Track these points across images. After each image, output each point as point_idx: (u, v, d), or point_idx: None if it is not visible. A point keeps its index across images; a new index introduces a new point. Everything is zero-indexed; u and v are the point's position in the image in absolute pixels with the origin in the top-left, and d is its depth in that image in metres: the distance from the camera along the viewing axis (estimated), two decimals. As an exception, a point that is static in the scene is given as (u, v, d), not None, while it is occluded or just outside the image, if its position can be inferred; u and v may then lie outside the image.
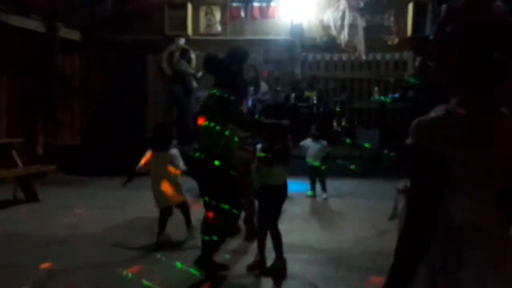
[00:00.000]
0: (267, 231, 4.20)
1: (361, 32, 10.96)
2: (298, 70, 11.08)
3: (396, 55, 11.09)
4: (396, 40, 10.93)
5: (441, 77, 1.62)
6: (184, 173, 5.15)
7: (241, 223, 4.95)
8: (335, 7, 11.09)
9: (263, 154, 4.07)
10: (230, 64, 4.14)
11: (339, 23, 11.06)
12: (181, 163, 5.16)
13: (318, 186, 7.29)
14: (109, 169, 8.71)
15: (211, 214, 3.99)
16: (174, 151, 5.30)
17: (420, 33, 10.63)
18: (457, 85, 1.57)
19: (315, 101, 10.00)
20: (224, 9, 11.45)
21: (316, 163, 7.05)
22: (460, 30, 1.52)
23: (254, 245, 4.48)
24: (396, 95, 9.83)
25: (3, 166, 7.01)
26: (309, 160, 7.05)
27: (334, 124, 10.30)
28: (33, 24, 9.85)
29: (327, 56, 11.31)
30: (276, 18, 11.32)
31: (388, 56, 11.11)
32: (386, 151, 8.46)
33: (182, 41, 11.12)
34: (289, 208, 6.59)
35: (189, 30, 11.33)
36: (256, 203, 4.51)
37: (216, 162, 3.83)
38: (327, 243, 5.04)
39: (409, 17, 10.75)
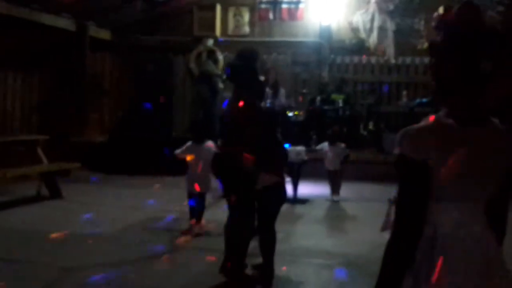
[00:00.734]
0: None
1: (390, 35, 10.81)
2: (325, 72, 10.98)
3: (426, 60, 10.86)
4: (426, 44, 10.71)
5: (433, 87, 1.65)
6: None
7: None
8: (365, 9, 10.96)
9: None
10: (240, 65, 4.10)
11: (368, 25, 10.93)
12: None
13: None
14: (135, 168, 8.85)
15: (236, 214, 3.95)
16: (210, 145, 5.48)
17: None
18: (447, 96, 1.58)
19: (341, 104, 9.89)
20: (252, 10, 11.45)
21: (332, 168, 7.00)
22: (450, 41, 1.55)
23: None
24: (424, 100, 9.64)
25: (29, 162, 7.18)
26: (327, 163, 7.00)
27: (361, 128, 10.19)
28: (64, 23, 10.04)
29: (356, 59, 11.16)
30: (304, 20, 11.25)
31: (417, 60, 10.89)
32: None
33: (210, 42, 11.19)
34: (306, 212, 6.58)
35: (218, 31, 11.38)
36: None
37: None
38: (343, 248, 4.98)
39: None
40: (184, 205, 6.59)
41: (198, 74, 10.53)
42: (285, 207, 6.46)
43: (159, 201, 6.93)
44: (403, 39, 10.73)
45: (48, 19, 9.51)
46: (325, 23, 10.98)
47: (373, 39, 10.92)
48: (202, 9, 11.41)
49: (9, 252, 4.63)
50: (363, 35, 10.99)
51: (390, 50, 10.84)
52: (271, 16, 11.39)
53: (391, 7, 10.88)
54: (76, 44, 10.40)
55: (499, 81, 1.57)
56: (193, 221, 5.41)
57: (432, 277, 1.50)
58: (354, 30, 11.06)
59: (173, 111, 10.90)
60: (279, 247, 4.82)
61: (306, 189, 7.31)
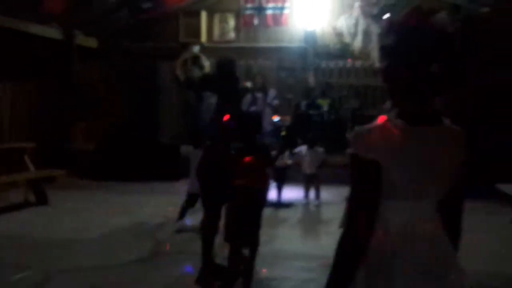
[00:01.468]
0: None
1: (375, 39, 10.92)
2: (311, 77, 11.09)
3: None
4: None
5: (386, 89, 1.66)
6: None
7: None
8: (349, 14, 11.10)
9: None
10: (218, 76, 4.21)
11: (352, 30, 11.07)
12: None
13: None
14: (123, 175, 8.91)
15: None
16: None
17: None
18: (398, 97, 1.61)
19: (326, 109, 10.00)
20: (237, 16, 11.57)
21: (309, 172, 7.08)
22: (399, 42, 1.56)
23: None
24: None
25: (17, 170, 7.24)
26: (304, 167, 7.08)
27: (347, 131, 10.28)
28: (51, 32, 10.11)
29: (341, 63, 11.28)
30: (289, 25, 11.38)
31: (402, 63, 11.01)
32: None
33: (196, 48, 11.28)
34: (290, 216, 6.66)
35: (203, 38, 11.47)
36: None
37: None
38: (323, 250, 5.01)
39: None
40: (170, 210, 6.70)
41: (184, 80, 10.60)
42: (269, 211, 6.59)
43: (145, 206, 7.02)
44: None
45: (36, 29, 9.57)
46: (309, 28, 11.09)
47: (357, 43, 11.06)
48: (187, 16, 11.50)
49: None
50: (347, 39, 11.11)
51: (375, 54, 10.95)
52: (256, 22, 11.49)
53: (375, 11, 11.00)
54: (64, 53, 10.45)
55: (450, 81, 1.58)
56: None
57: (384, 273, 1.54)
58: (339, 34, 11.18)
59: (160, 117, 10.97)
60: (261, 249, 4.93)
61: (290, 193, 7.39)
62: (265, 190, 4.19)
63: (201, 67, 10.61)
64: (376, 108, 10.95)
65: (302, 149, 7.26)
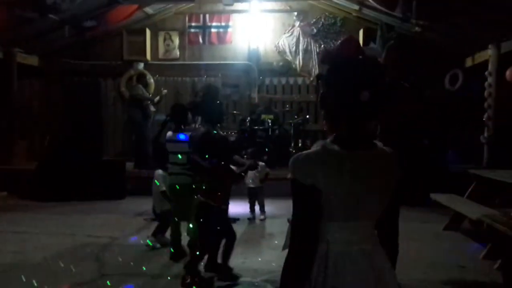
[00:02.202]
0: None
1: (315, 57, 11.35)
2: (255, 93, 11.36)
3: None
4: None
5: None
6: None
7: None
8: (290, 33, 11.47)
9: None
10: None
11: (294, 48, 11.44)
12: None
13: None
14: (65, 195, 8.76)
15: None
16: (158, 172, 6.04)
17: (369, 57, 11.03)
18: (333, 123, 1.73)
19: (270, 124, 10.25)
20: (182, 34, 11.70)
21: (254, 185, 7.26)
22: (332, 72, 1.69)
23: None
24: None
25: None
26: (248, 181, 7.23)
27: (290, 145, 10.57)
28: (-11, 51, 9.92)
29: (283, 80, 11.62)
30: (233, 43, 11.64)
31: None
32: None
33: (141, 65, 11.32)
34: (236, 231, 6.72)
35: (148, 55, 11.53)
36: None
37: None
38: (269, 265, 5.13)
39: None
40: (114, 230, 6.69)
41: (129, 97, 10.59)
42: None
43: (90, 227, 6.93)
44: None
45: (-26, 48, 9.36)
46: (253, 46, 11.39)
47: (299, 61, 11.43)
48: (131, 34, 11.54)
49: None
50: (289, 57, 11.48)
51: (315, 71, 11.36)
52: (200, 40, 11.68)
53: (314, 30, 11.45)
54: (3, 71, 10.23)
55: (383, 108, 1.70)
56: None
57: None
58: (281, 52, 11.54)
59: (103, 135, 10.89)
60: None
61: (235, 207, 7.40)
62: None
63: (146, 84, 10.63)
64: (318, 123, 11.36)
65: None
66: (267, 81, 11.63)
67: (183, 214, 5.12)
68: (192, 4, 10.95)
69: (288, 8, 11.45)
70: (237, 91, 11.61)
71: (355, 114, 1.65)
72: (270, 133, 10.25)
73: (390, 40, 10.24)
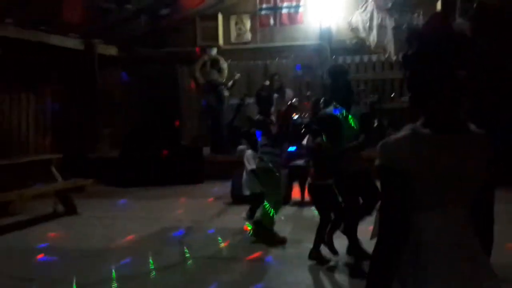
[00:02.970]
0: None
1: (390, 33, 10.93)
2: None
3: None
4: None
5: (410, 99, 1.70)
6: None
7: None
8: (363, 8, 11.11)
9: None
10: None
11: (367, 24, 11.07)
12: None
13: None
14: (146, 180, 9.11)
15: None
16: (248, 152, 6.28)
17: (450, 30, 10.49)
18: (423, 106, 1.63)
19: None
20: (253, 17, 11.67)
21: None
22: (423, 51, 1.61)
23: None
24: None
25: (44, 180, 7.44)
26: None
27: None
28: (72, 42, 10.40)
29: (357, 59, 11.31)
30: (304, 23, 11.44)
31: (419, 55, 10.98)
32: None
33: (214, 51, 11.45)
34: (308, 215, 6.66)
35: (220, 40, 11.62)
36: None
37: None
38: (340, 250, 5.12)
39: (438, 15, 10.64)
40: (196, 213, 6.88)
41: (204, 83, 10.77)
42: (293, 210, 6.71)
43: (172, 211, 7.18)
44: (403, 35, 10.80)
45: (57, 40, 9.86)
46: (325, 25, 11.13)
47: (373, 38, 11.05)
48: (204, 20, 11.66)
49: (32, 272, 4.86)
50: (363, 34, 11.12)
51: (391, 47, 10.96)
52: (272, 22, 11.60)
53: (389, 4, 10.99)
54: (85, 62, 10.72)
55: (472, 85, 1.63)
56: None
57: (418, 284, 1.56)
58: (354, 30, 11.20)
59: (181, 121, 11.17)
60: (284, 251, 5.06)
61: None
62: None
63: (220, 69, 10.75)
64: (394, 101, 10.99)
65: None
66: (340, 60, 11.35)
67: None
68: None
69: (362, -18, 11.09)
70: (310, 72, 11.45)
71: (451, 93, 1.57)
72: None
73: (470, 11, 9.71)
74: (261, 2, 11.64)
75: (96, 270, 4.81)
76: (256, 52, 11.55)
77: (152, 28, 11.40)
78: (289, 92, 9.82)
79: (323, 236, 4.76)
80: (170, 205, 7.60)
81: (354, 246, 4.70)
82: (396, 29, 10.93)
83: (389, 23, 10.97)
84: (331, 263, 4.72)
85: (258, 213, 5.60)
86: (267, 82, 9.63)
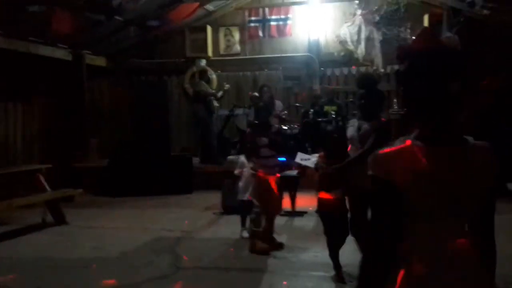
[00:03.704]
0: None
1: (377, 45, 11.09)
2: (316, 85, 11.24)
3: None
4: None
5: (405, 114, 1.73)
6: None
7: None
8: (351, 22, 11.25)
9: None
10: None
11: (355, 37, 11.21)
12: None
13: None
14: (135, 190, 9.06)
15: None
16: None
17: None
18: (417, 119, 1.63)
19: (334, 116, 10.12)
20: (242, 29, 11.78)
21: None
22: (415, 66, 1.61)
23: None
24: None
25: (33, 191, 7.37)
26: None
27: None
28: (61, 53, 10.37)
29: (345, 70, 11.43)
30: (293, 35, 11.57)
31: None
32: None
33: (203, 62, 11.50)
34: (304, 225, 6.70)
35: (210, 52, 11.68)
36: None
37: None
38: (340, 258, 5.14)
39: (425, 28, 10.79)
40: (186, 224, 6.85)
41: (193, 94, 10.78)
42: (283, 220, 6.70)
43: (161, 221, 7.13)
44: (390, 48, 10.96)
45: (46, 51, 9.82)
46: (313, 37, 11.27)
47: (361, 50, 11.20)
48: (193, 31, 11.72)
49: (21, 283, 4.79)
50: (351, 47, 11.26)
51: (378, 60, 11.11)
52: (260, 34, 11.70)
53: (377, 18, 11.17)
54: (73, 73, 10.69)
55: (467, 98, 1.62)
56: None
57: None
58: (342, 42, 11.33)
59: (170, 132, 11.15)
60: (278, 262, 5.06)
61: (303, 201, 7.39)
62: None
63: (208, 80, 10.78)
64: (383, 112, 11.08)
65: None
66: (328, 72, 11.48)
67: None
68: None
69: (349, -4, 11.26)
70: (299, 83, 11.53)
71: (445, 106, 1.56)
72: (334, 125, 10.10)
73: (458, 25, 9.89)
74: (250, 15, 11.76)
75: (85, 281, 4.76)
76: (245, 63, 11.63)
77: (141, 39, 11.43)
78: (278, 103, 9.86)
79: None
80: (160, 215, 7.55)
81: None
82: (383, 42, 11.09)
83: (377, 36, 11.13)
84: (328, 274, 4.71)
85: (250, 224, 5.62)
86: (256, 94, 9.66)
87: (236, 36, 11.75)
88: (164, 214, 7.60)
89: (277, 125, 5.46)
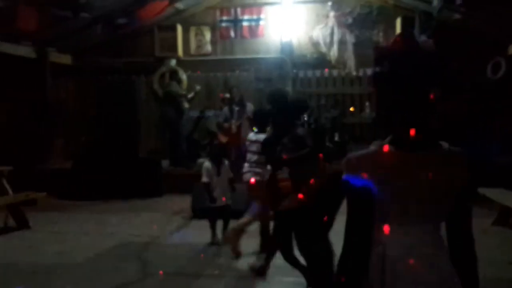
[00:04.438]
0: None
1: (350, 48, 11.05)
2: (289, 87, 11.11)
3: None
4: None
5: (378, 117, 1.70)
6: None
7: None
8: (324, 24, 11.18)
9: None
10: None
11: (328, 39, 11.15)
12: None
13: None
14: (101, 193, 8.72)
15: None
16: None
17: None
18: (391, 124, 1.61)
19: (306, 118, 9.99)
20: (213, 29, 11.55)
21: None
22: (395, 69, 1.57)
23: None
24: None
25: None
26: None
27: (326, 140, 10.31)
28: (23, 50, 9.96)
29: (318, 73, 11.34)
30: (265, 36, 11.41)
31: (378, 71, 11.13)
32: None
33: (173, 62, 11.22)
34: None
35: (180, 51, 11.41)
36: None
37: None
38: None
39: (397, 32, 10.81)
40: (154, 228, 6.60)
41: (162, 95, 10.50)
42: (256, 224, 6.51)
43: (129, 226, 6.88)
44: (363, 51, 10.95)
45: (8, 48, 9.41)
46: (285, 39, 11.12)
47: (333, 53, 11.14)
48: (162, 30, 11.43)
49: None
50: (323, 49, 11.19)
51: (351, 63, 11.07)
52: (232, 34, 11.51)
53: (350, 20, 11.13)
54: (37, 71, 10.27)
55: (445, 102, 1.58)
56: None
57: None
58: (315, 44, 11.25)
59: (139, 133, 10.85)
60: (246, 267, 4.87)
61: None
62: None
63: (179, 80, 10.50)
64: (355, 116, 11.07)
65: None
66: (301, 74, 11.36)
67: None
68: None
69: (322, -2, 11.19)
70: (270, 85, 11.36)
71: (423, 110, 1.54)
72: (306, 127, 9.99)
73: (429, 29, 9.93)
74: (221, 14, 11.56)
75: (49, 287, 4.53)
76: (216, 64, 11.40)
77: (109, 37, 11.08)
78: (249, 105, 9.68)
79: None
80: (127, 219, 7.27)
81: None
82: (356, 45, 11.06)
83: (350, 39, 11.10)
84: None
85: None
86: (228, 95, 9.46)
87: (207, 36, 11.52)
88: (131, 219, 7.33)
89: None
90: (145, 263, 5.18)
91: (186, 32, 11.53)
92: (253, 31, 11.46)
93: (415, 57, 1.56)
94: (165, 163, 9.81)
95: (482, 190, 6.52)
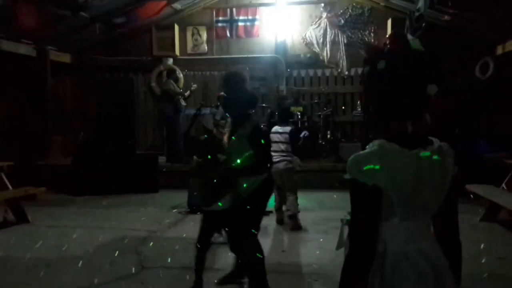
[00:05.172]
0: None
1: (342, 48, 11.33)
2: (283, 86, 11.39)
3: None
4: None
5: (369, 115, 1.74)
6: None
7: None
8: (317, 24, 11.46)
9: None
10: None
11: (321, 39, 11.44)
12: None
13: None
14: (99, 189, 8.97)
15: None
16: None
17: (399, 47, 10.94)
18: (387, 122, 1.65)
19: (299, 116, 10.28)
20: (210, 29, 11.80)
21: None
22: (392, 68, 1.62)
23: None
24: None
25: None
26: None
27: (319, 138, 10.59)
28: (24, 49, 10.18)
29: (311, 72, 11.63)
30: (260, 36, 11.68)
31: (369, 71, 11.38)
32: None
33: (170, 61, 11.48)
34: (270, 224, 6.59)
35: (177, 51, 11.66)
36: None
37: None
38: (307, 257, 5.21)
39: (388, 32, 11.07)
40: (152, 223, 6.82)
41: (160, 93, 10.75)
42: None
43: (126, 220, 7.08)
44: (355, 51, 11.24)
45: (9, 46, 9.62)
46: (280, 39, 11.41)
47: (326, 53, 11.43)
48: (160, 30, 11.69)
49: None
50: (316, 49, 11.47)
51: (343, 62, 11.36)
52: (228, 34, 11.77)
53: (342, 21, 11.42)
54: (37, 69, 10.49)
55: (435, 101, 1.68)
56: None
57: None
58: (308, 44, 11.54)
59: (136, 131, 11.08)
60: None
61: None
62: None
63: (176, 79, 10.77)
64: (346, 114, 11.35)
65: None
66: (294, 73, 11.65)
67: None
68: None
69: (315, -1, 11.45)
70: (265, 84, 11.65)
71: (420, 108, 1.61)
72: (299, 125, 10.27)
73: (419, 30, 10.17)
74: (217, 15, 11.80)
75: (48, 281, 4.69)
76: (212, 63, 11.66)
77: (107, 36, 11.31)
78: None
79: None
80: (125, 214, 7.50)
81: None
82: (348, 45, 11.34)
83: (342, 39, 11.37)
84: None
85: None
86: (225, 94, 9.68)
87: (204, 35, 11.77)
88: (129, 213, 7.55)
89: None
90: (142, 257, 5.34)
91: (183, 31, 11.78)
92: (249, 31, 11.72)
93: (416, 55, 1.63)
94: (162, 159, 10.06)
95: (470, 187, 6.69)
